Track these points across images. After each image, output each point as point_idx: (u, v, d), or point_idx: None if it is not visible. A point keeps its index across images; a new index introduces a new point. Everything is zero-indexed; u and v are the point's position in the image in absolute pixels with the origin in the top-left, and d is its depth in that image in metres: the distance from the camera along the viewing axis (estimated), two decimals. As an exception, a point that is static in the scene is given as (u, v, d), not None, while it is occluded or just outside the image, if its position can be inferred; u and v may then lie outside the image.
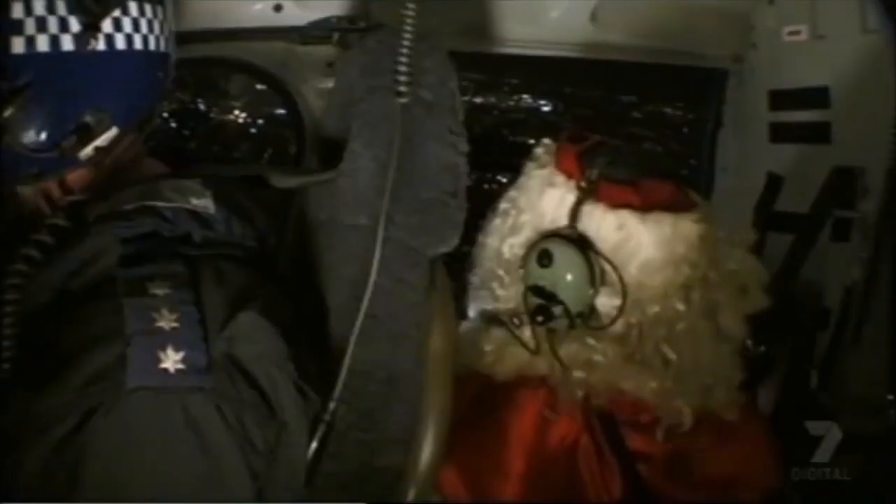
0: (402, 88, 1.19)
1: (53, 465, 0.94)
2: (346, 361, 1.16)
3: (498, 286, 1.65)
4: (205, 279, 1.06)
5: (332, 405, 1.15)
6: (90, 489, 0.94)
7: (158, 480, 0.96)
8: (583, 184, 1.57)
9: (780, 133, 2.28)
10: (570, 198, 1.57)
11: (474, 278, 1.71)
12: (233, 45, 1.94)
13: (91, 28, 1.07)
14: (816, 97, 2.13)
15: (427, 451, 1.28)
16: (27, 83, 1.04)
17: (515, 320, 1.59)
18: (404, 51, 1.18)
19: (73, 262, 1.06)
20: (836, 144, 2.13)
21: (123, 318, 0.98)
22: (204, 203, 1.16)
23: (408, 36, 1.19)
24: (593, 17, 2.14)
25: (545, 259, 1.54)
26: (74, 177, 1.16)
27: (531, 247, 1.58)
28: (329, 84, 1.81)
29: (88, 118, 1.10)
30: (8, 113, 1.04)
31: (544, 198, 1.61)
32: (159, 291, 1.01)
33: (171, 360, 0.97)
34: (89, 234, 1.07)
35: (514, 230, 1.64)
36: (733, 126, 2.42)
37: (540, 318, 1.54)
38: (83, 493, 0.93)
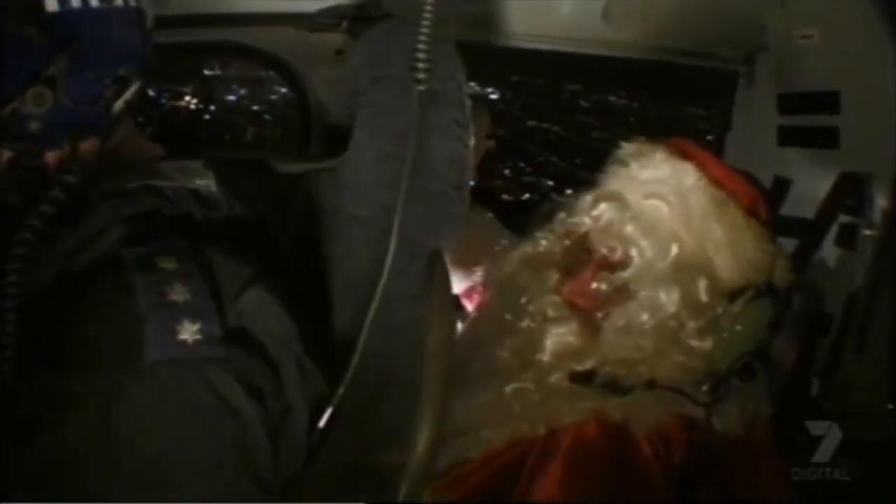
0: (421, 76, 1.18)
1: (84, 444, 0.94)
2: (359, 347, 1.15)
3: None
4: (212, 256, 1.07)
5: (340, 390, 1.14)
6: (124, 467, 0.94)
7: (190, 450, 0.96)
8: None
9: (788, 136, 2.26)
10: None
11: None
12: (241, 31, 1.93)
13: None
14: (826, 102, 2.10)
15: (421, 446, 1.27)
16: (66, 39, 1.06)
17: None
18: (423, 37, 1.17)
19: (74, 241, 1.06)
20: (845, 150, 2.12)
21: (135, 294, 0.99)
22: (206, 183, 1.18)
23: (427, 22, 1.17)
24: (605, 14, 2.13)
25: None
26: (88, 146, 1.17)
27: None
28: (337, 72, 1.81)
29: (123, 70, 1.12)
30: (59, 65, 1.06)
31: None
32: (168, 266, 1.02)
33: (189, 332, 0.98)
34: (91, 212, 1.08)
35: None
36: (742, 128, 2.41)
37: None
38: (116, 471, 0.93)
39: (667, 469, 1.47)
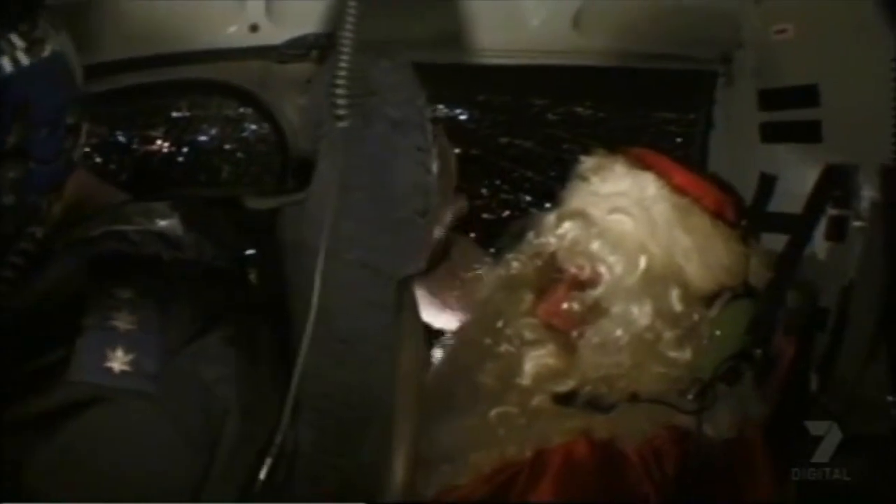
0: (341, 112, 1.16)
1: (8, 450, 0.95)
2: (293, 387, 1.15)
3: None
4: (175, 295, 1.07)
5: (278, 438, 1.13)
6: (34, 473, 0.95)
7: (83, 476, 0.97)
8: None
9: (770, 133, 2.24)
10: None
11: None
12: (210, 67, 1.93)
13: (32, 40, 1.11)
14: (806, 95, 2.09)
15: (398, 474, 1.26)
16: (15, 103, 1.07)
17: None
18: (342, 73, 1.15)
19: (41, 286, 1.07)
20: (828, 142, 2.09)
21: (84, 313, 0.99)
22: (171, 224, 1.18)
23: (344, 59, 1.16)
24: (575, 23, 2.12)
25: None
26: (55, 198, 1.18)
27: None
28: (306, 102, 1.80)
29: (71, 118, 1.15)
30: (18, 131, 1.07)
31: None
32: (123, 294, 1.03)
33: (119, 361, 0.98)
34: (57, 260, 1.09)
35: None
36: (724, 127, 2.39)
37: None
38: (28, 478, 0.95)
39: (658, 482, 1.45)
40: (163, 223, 1.17)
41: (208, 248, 1.19)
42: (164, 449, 1.00)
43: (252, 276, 1.28)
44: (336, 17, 1.92)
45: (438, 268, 1.89)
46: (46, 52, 1.12)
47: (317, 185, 1.30)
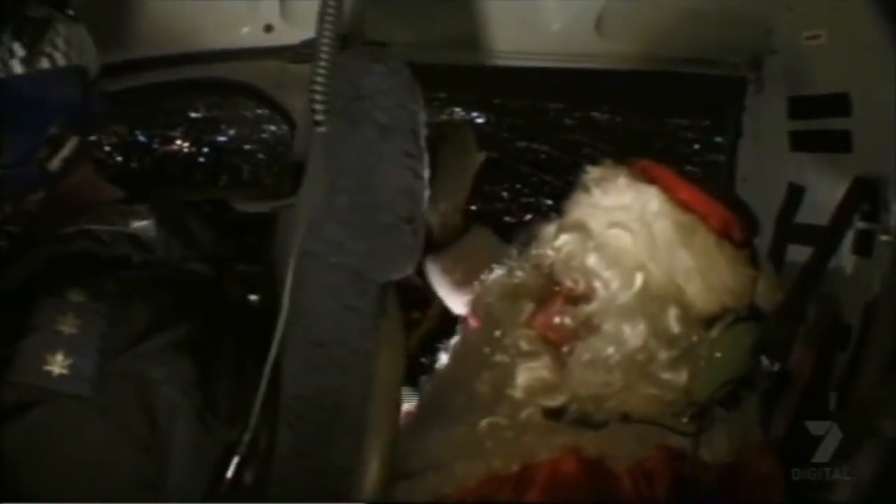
0: (319, 117, 1.16)
1: None
2: (262, 389, 1.15)
3: None
4: (131, 298, 1.09)
5: (246, 436, 1.14)
6: None
7: (22, 477, 0.99)
8: None
9: (800, 141, 2.18)
10: None
11: None
12: (226, 67, 1.95)
13: (33, 50, 1.13)
14: (836, 104, 2.02)
15: (371, 481, 1.26)
16: None
17: None
18: (320, 76, 1.15)
19: (9, 283, 1.09)
20: (858, 153, 2.02)
21: (33, 313, 1.01)
22: (144, 226, 1.20)
23: (323, 61, 1.15)
24: (598, 26, 2.09)
25: None
26: (35, 197, 1.20)
27: None
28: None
29: (53, 129, 1.17)
30: None
31: None
32: (74, 298, 1.06)
33: (58, 365, 1.01)
34: (26, 254, 1.11)
35: None
36: (752, 135, 2.33)
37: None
38: None
39: (648, 502, 1.42)
40: (137, 224, 1.19)
41: (178, 249, 1.21)
42: (104, 449, 1.02)
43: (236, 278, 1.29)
44: (351, 18, 1.93)
45: (452, 248, 1.89)
46: (44, 65, 1.15)
47: (305, 189, 1.31)
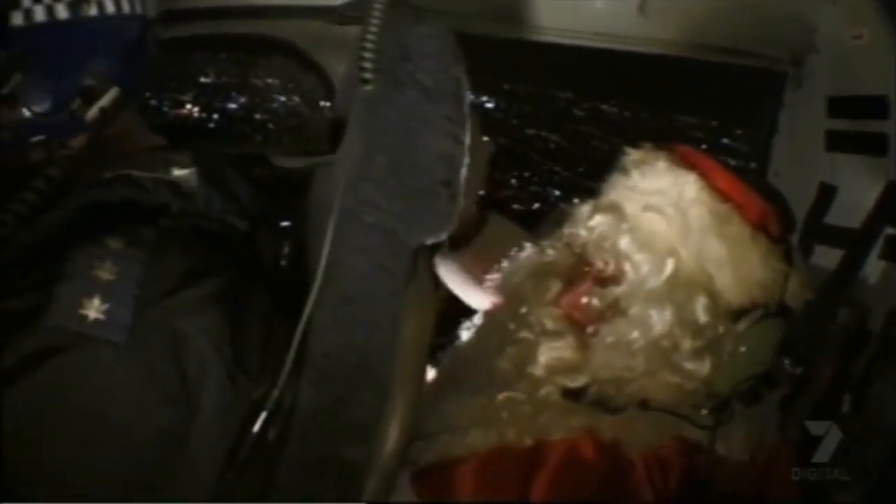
0: (367, 76, 1.15)
1: None
2: (295, 343, 1.15)
3: None
4: (169, 247, 1.08)
5: (275, 392, 1.14)
6: (5, 416, 0.97)
7: (51, 420, 0.99)
8: None
9: (835, 141, 2.15)
10: None
11: None
12: (268, 24, 1.94)
13: None
14: (875, 106, 2.00)
15: (391, 443, 1.26)
16: (30, 52, 1.08)
17: None
18: (371, 36, 1.14)
19: (47, 228, 1.09)
20: (893, 157, 2.00)
21: (71, 259, 1.01)
22: (185, 175, 1.19)
23: (375, 20, 1.14)
24: (641, 8, 2.07)
25: None
26: (76, 142, 1.19)
27: None
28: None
29: (90, 80, 1.15)
30: (16, 81, 1.08)
31: None
32: (112, 245, 1.05)
33: (94, 309, 1.00)
34: (64, 198, 1.11)
35: None
36: (787, 132, 2.31)
37: None
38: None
39: (660, 492, 1.42)
40: (178, 173, 1.18)
41: (218, 202, 1.20)
42: (132, 397, 1.01)
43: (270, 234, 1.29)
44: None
45: (472, 243, 1.87)
46: (92, 12, 1.13)
47: (344, 147, 1.30)
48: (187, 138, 1.34)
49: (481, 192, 1.85)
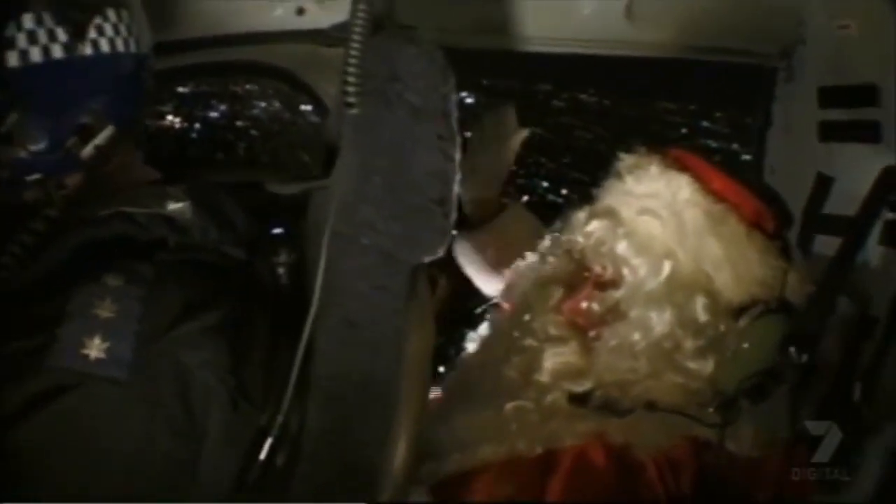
0: (351, 100, 1.16)
1: None
2: (296, 368, 1.16)
3: None
4: (167, 281, 1.10)
5: (279, 418, 1.15)
6: (14, 458, 0.99)
7: (59, 457, 1.01)
8: None
9: (829, 132, 2.16)
10: None
11: None
12: (256, 49, 1.96)
13: (77, 36, 1.13)
14: (865, 95, 2.00)
15: (399, 457, 1.27)
16: (26, 91, 1.10)
17: None
18: (352, 59, 1.16)
19: (46, 268, 1.10)
20: (887, 144, 2.01)
21: (70, 298, 1.03)
22: (180, 208, 1.20)
23: (356, 44, 1.16)
24: (628, 12, 2.08)
25: None
26: (72, 180, 1.21)
27: None
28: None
29: (86, 118, 1.17)
30: (12, 121, 1.10)
31: None
32: (112, 283, 1.06)
33: (95, 348, 1.02)
34: (61, 237, 1.12)
35: None
36: (781, 125, 2.32)
37: None
38: (9, 462, 0.99)
39: (673, 493, 1.42)
40: (173, 206, 1.19)
41: (214, 232, 1.21)
42: (139, 433, 1.03)
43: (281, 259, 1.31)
44: (382, 1, 1.93)
45: (486, 226, 1.90)
46: (87, 52, 1.15)
47: (338, 169, 1.32)
48: (182, 170, 1.36)
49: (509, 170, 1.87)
